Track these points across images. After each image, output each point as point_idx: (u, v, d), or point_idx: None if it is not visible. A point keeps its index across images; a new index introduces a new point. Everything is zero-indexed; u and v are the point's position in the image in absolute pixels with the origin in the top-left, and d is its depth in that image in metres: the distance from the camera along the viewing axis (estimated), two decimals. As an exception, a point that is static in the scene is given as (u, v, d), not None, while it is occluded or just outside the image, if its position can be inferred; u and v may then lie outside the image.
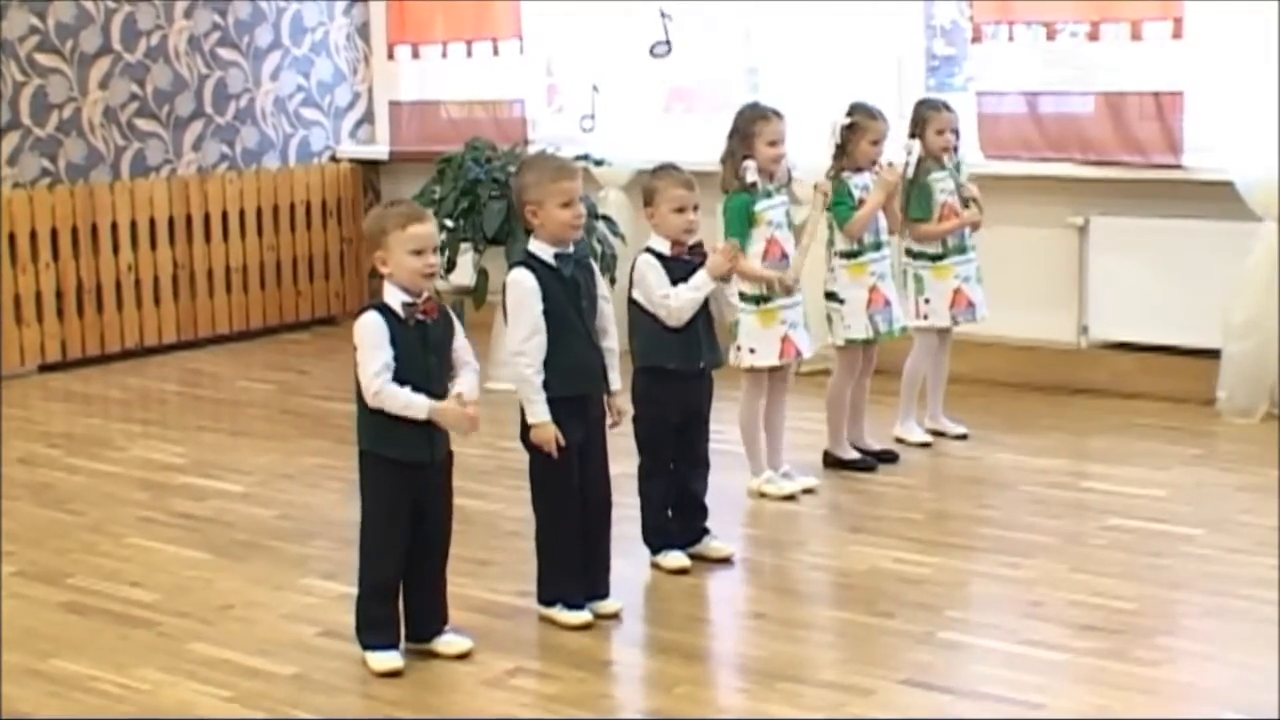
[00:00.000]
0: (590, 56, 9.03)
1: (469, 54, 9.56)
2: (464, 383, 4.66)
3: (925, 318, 6.81)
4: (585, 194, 5.02)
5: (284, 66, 9.88)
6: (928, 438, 6.87)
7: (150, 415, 8.05)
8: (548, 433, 4.82)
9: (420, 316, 4.55)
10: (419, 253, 4.54)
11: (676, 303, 5.31)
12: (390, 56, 9.96)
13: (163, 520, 6.15)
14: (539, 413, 4.82)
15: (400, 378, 4.51)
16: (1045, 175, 7.76)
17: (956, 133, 6.77)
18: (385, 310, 4.55)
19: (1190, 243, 7.42)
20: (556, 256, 4.87)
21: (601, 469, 4.99)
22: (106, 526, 6.08)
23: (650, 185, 5.41)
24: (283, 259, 9.82)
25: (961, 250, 6.79)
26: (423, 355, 4.55)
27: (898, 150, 6.64)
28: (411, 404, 4.50)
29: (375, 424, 4.55)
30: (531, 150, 8.41)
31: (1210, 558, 5.42)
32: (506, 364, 5.00)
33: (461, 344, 4.70)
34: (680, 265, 5.36)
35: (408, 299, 4.54)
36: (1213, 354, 7.32)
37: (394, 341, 4.51)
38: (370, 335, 4.52)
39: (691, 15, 8.94)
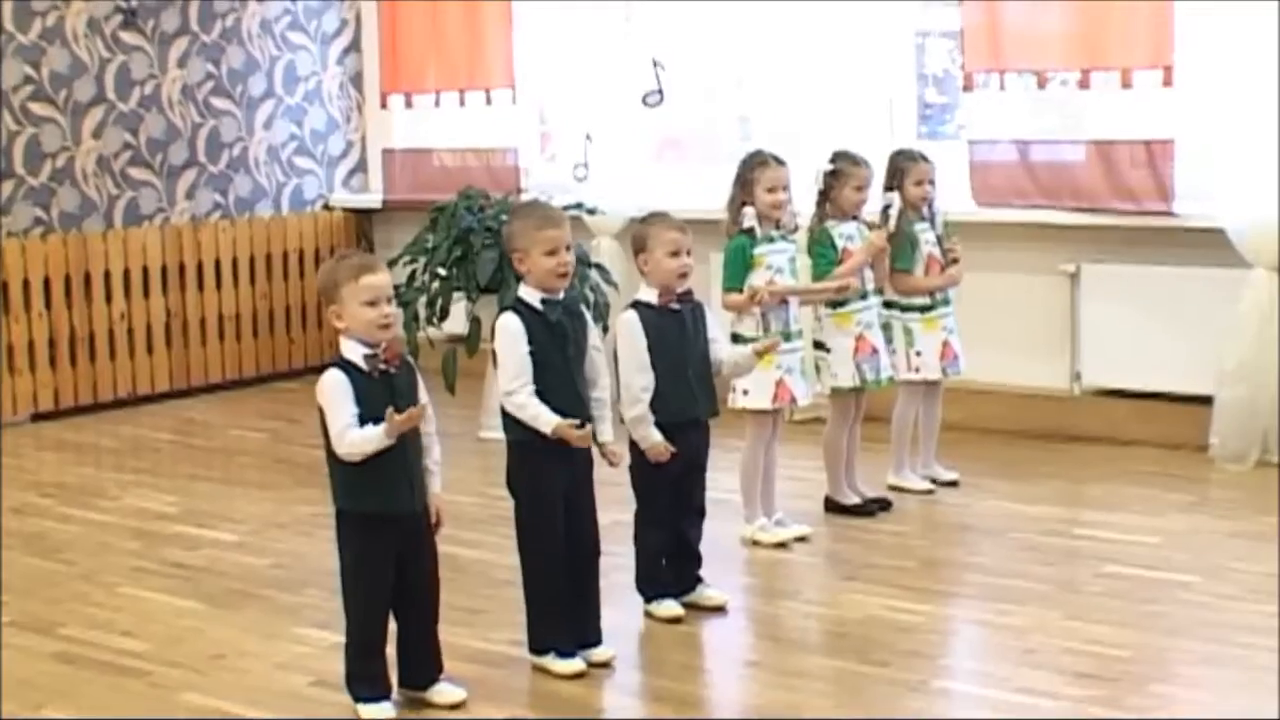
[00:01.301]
0: (583, 105, 9.08)
1: (462, 103, 9.60)
2: (433, 483, 4.66)
3: (917, 370, 6.77)
4: (578, 242, 5.02)
5: (277, 115, 9.91)
6: (928, 485, 6.86)
7: (143, 464, 8.04)
8: (566, 432, 4.76)
9: (383, 366, 4.51)
10: (373, 304, 4.49)
11: (631, 410, 5.25)
12: (383, 105, 9.99)
13: (155, 569, 6.13)
14: (548, 420, 4.77)
15: None
16: (1037, 223, 7.77)
17: (933, 183, 6.76)
18: (346, 366, 4.51)
19: (1182, 289, 7.43)
20: (544, 302, 4.88)
21: (589, 518, 4.97)
22: (99, 576, 6.06)
23: (642, 231, 5.41)
24: (275, 307, 9.83)
25: (946, 302, 6.80)
26: (390, 406, 4.47)
27: (881, 200, 6.66)
28: (369, 437, 4.44)
29: (353, 479, 4.51)
30: (525, 199, 8.42)
31: (1205, 605, 5.41)
32: (498, 412, 4.98)
33: (426, 413, 4.63)
34: (669, 316, 5.35)
35: (368, 350, 4.50)
36: (1205, 400, 7.33)
37: (360, 397, 4.46)
38: (333, 393, 4.48)
39: (683, 64, 8.96)
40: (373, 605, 4.60)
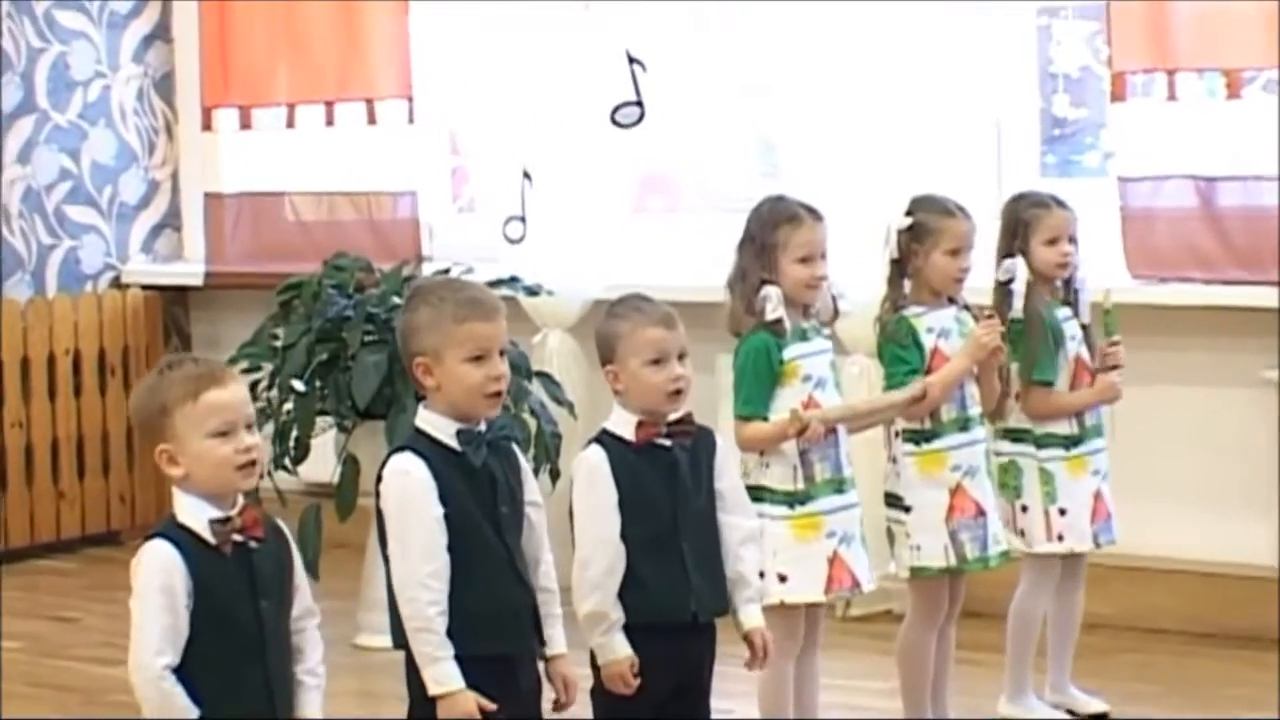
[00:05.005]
0: (518, 126, 9.08)
1: (330, 121, 9.67)
2: (308, 704, 4.60)
3: (1059, 538, 6.74)
4: (511, 340, 5.04)
5: (39, 141, 9.96)
6: (1061, 715, 6.88)
7: None
8: (464, 705, 4.77)
9: (239, 538, 4.48)
10: (225, 433, 4.47)
11: (586, 602, 5.18)
12: (207, 126, 10.05)
13: None
14: (445, 675, 4.78)
15: (219, 643, 4.43)
16: (1226, 305, 7.80)
17: (1075, 241, 6.78)
18: (182, 538, 4.46)
19: None
20: (461, 435, 4.90)
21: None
22: None
23: (609, 330, 5.35)
24: (36, 443, 9.83)
25: (1098, 431, 6.78)
26: (249, 600, 4.48)
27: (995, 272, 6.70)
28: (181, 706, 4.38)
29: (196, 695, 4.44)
30: (428, 271, 8.45)
31: None
32: (387, 607, 5.00)
33: (305, 604, 4.62)
34: (655, 457, 5.29)
35: (216, 514, 4.47)
36: None
37: (201, 585, 4.41)
38: (152, 586, 4.41)
39: (674, 61, 8.99)
40: None
